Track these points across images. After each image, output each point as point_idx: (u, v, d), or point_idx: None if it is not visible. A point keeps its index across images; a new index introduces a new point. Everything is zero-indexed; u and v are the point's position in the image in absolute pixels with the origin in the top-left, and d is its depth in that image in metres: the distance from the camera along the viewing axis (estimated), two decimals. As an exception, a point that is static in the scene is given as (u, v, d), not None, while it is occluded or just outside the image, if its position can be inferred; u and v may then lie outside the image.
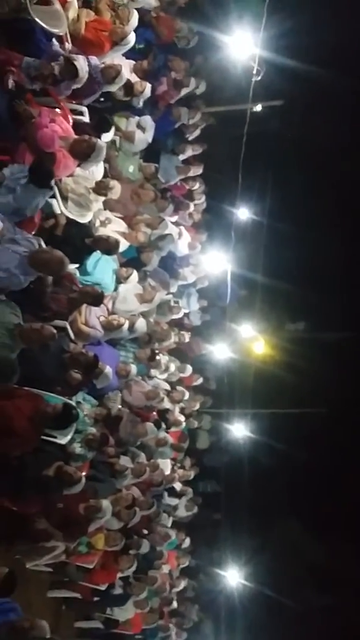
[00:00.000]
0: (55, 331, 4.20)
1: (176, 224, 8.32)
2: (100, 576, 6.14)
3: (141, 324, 6.32)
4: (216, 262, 9.73)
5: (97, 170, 5.71)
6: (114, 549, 6.08)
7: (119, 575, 6.48)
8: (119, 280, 6.22)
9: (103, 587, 6.29)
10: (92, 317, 5.78)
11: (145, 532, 7.59)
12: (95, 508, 5.24)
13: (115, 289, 6.22)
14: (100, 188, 5.46)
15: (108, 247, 5.41)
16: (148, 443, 7.67)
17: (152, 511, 7.35)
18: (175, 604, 8.91)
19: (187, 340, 9.49)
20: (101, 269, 5.81)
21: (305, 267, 12.49)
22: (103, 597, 6.46)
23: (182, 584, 9.30)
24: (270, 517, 12.72)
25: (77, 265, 5.41)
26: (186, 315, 9.65)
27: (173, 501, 8.87)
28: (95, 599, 6.44)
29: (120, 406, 6.73)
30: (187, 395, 9.33)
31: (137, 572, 7.00)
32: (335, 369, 12.61)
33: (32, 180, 4.29)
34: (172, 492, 8.89)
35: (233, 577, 10.80)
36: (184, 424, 9.01)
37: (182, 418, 9.06)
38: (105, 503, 5.42)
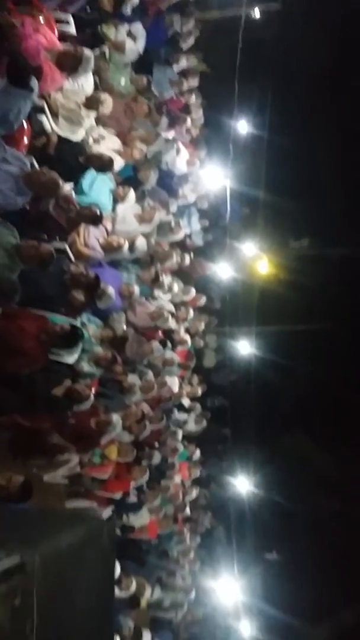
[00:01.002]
0: (53, 250, 4.21)
1: (173, 140, 8.09)
2: (115, 486, 6.46)
3: (141, 243, 6.30)
4: (216, 179, 9.54)
5: (87, 84, 5.52)
6: (127, 460, 6.37)
7: (133, 484, 6.82)
8: (116, 200, 6.14)
9: (118, 496, 6.62)
10: (91, 238, 5.76)
11: (157, 445, 7.91)
12: (105, 422, 5.45)
13: (113, 209, 6.16)
14: (91, 102, 5.30)
15: (102, 164, 5.31)
16: (155, 362, 7.86)
17: (162, 425, 7.64)
18: (188, 511, 9.41)
19: (189, 261, 9.48)
20: (97, 188, 5.72)
21: (308, 182, 12.24)
22: (118, 506, 6.82)
23: (194, 492, 9.79)
24: (278, 430, 13.17)
25: (72, 185, 5.34)
26: (188, 235, 9.58)
27: (182, 416, 9.17)
28: (111, 507, 6.80)
29: (125, 327, 6.83)
30: (191, 314, 9.45)
31: (150, 481, 7.37)
32: (340, 284, 12.64)
33: (10, 81, 4.12)
34: (181, 408, 9.18)
35: (243, 485, 11.34)
36: (189, 343, 9.16)
37: (187, 337, 9.21)
38: (116, 417, 5.63)
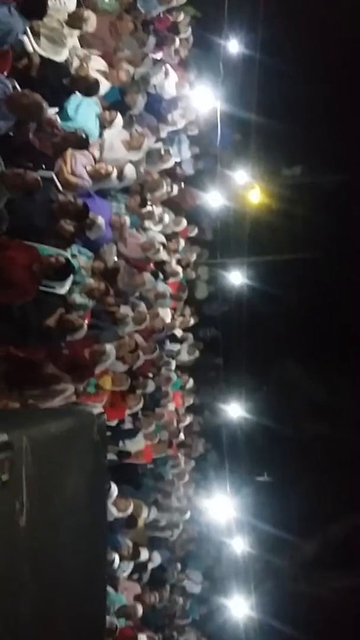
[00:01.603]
0: (39, 178, 4.12)
1: (161, 61, 7.75)
2: (110, 413, 6.60)
3: (130, 171, 6.16)
4: (207, 104, 9.21)
5: (69, 1, 5.22)
6: (121, 388, 6.50)
7: (128, 412, 7.00)
8: (103, 125, 5.95)
9: (114, 423, 6.82)
10: (79, 166, 5.62)
11: (150, 374, 8.06)
12: (99, 352, 5.52)
13: (100, 135, 5.98)
14: (74, 20, 5.03)
15: (88, 87, 5.11)
16: (147, 295, 7.88)
17: (155, 355, 7.76)
18: (182, 437, 9.71)
19: (179, 191, 9.30)
20: (83, 113, 5.53)
21: (302, 106, 11.85)
22: (114, 432, 7.03)
23: (188, 419, 10.08)
24: (269, 359, 13.41)
25: (57, 109, 5.16)
26: (178, 164, 9.36)
27: (175, 346, 9.30)
28: (107, 434, 6.99)
29: (116, 258, 6.79)
30: (183, 245, 9.39)
31: (144, 409, 7.57)
32: (332, 213, 12.52)
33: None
34: (174, 339, 9.28)
35: (235, 411, 11.67)
36: (181, 275, 9.16)
37: (179, 269, 9.20)
38: (109, 347, 5.69)
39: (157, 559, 7.95)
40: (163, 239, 8.47)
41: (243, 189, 12.15)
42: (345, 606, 11.72)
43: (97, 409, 3.03)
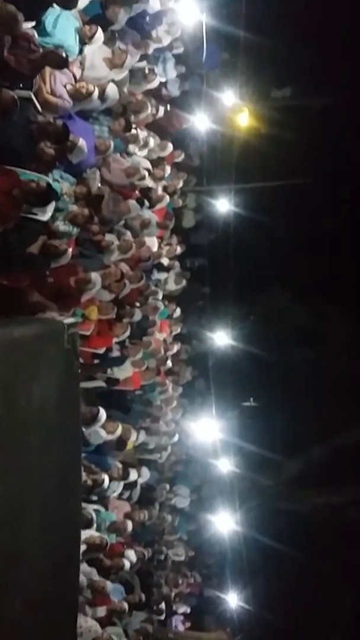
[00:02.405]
0: (16, 97, 3.94)
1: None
2: (97, 341, 6.69)
3: (112, 90, 5.92)
4: (193, 19, 8.72)
5: None
6: (107, 317, 6.53)
7: (115, 340, 7.07)
8: (83, 40, 5.64)
9: (101, 351, 6.89)
10: (58, 85, 5.38)
11: (137, 303, 8.08)
12: (84, 280, 5.49)
13: (80, 52, 5.68)
14: None
15: (65, -2, 4.80)
16: (133, 224, 7.76)
17: (141, 284, 7.74)
18: (170, 364, 9.87)
19: (165, 113, 8.98)
20: (62, 28, 5.23)
21: (292, 24, 11.29)
22: (102, 360, 7.12)
23: (176, 347, 10.22)
24: (256, 288, 13.48)
25: (33, 23, 4.87)
26: (163, 84, 8.98)
27: (162, 275, 9.27)
28: (96, 361, 7.10)
29: (99, 185, 6.64)
30: (168, 171, 9.17)
31: (132, 337, 7.64)
32: (322, 137, 12.21)
33: None
34: (161, 267, 9.24)
35: (222, 339, 11.85)
36: (167, 201, 8.98)
37: (165, 196, 9.01)
38: (94, 275, 5.67)
39: (145, 473, 8.27)
40: (148, 164, 8.25)
41: (231, 111, 11.76)
42: (325, 521, 12.41)
43: (69, 319, 3.04)
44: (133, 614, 7.50)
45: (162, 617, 9.32)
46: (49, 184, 4.56)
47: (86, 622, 5.69)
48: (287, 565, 11.68)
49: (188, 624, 11.06)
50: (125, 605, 6.66)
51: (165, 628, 9.77)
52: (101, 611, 6.19)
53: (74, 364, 2.97)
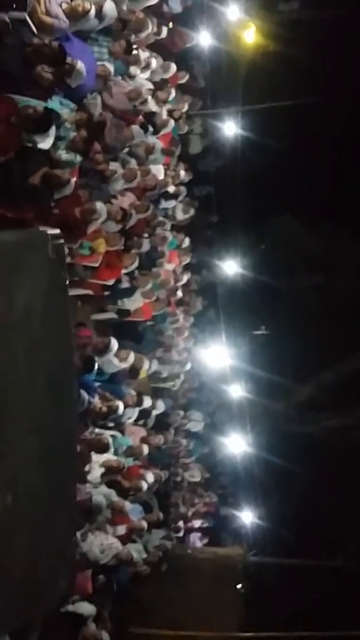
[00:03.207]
0: (7, 18, 3.77)
1: None
2: (106, 273, 6.70)
3: (110, 8, 5.64)
4: None
5: None
6: (115, 248, 6.50)
7: (124, 271, 7.07)
8: None
9: (111, 283, 6.91)
10: (54, 5, 5.14)
11: (145, 234, 8.01)
12: (90, 210, 5.44)
13: (75, -32, 5.37)
14: None
15: None
16: (137, 150, 7.57)
17: (149, 214, 7.65)
18: (180, 295, 9.89)
19: (167, 32, 8.56)
20: None
21: None
22: (112, 291, 7.16)
23: (185, 278, 10.20)
24: (265, 216, 13.27)
25: None
26: (164, 1, 8.54)
27: (170, 204, 9.11)
28: (106, 293, 7.14)
29: (101, 110, 6.44)
30: (173, 94, 8.85)
31: (141, 268, 7.64)
32: (333, 52, 11.62)
33: None
34: (168, 196, 9.05)
35: (231, 268, 11.81)
36: (172, 126, 8.71)
37: (170, 120, 8.73)
38: (100, 204, 5.60)
39: (160, 406, 8.49)
40: (151, 87, 7.96)
41: (236, 27, 11.17)
42: (334, 442, 12.77)
43: (54, 230, 3.02)
44: (152, 532, 7.90)
45: (180, 534, 9.82)
46: (47, 109, 4.44)
47: (107, 540, 6.01)
48: (298, 484, 12.12)
49: (205, 541, 11.67)
50: (144, 524, 7.00)
51: (184, 544, 10.32)
52: (121, 529, 6.51)
53: (61, 275, 2.96)
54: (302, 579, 11.42)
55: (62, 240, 2.90)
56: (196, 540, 11.27)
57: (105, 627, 5.56)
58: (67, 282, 3.10)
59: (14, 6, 4.62)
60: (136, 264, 7.18)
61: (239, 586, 9.93)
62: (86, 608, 5.22)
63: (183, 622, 7.98)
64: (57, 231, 2.88)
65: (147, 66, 7.59)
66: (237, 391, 12.03)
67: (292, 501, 12.36)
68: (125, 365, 6.77)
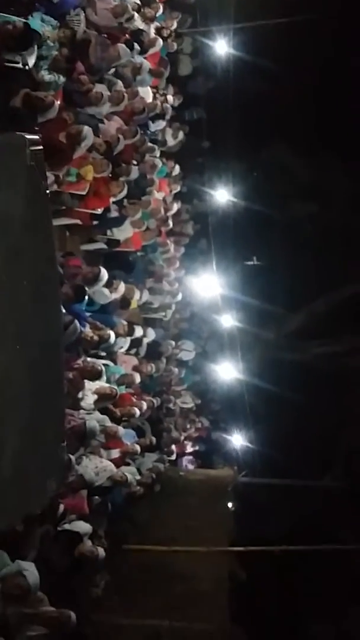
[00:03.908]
0: None
1: None
2: (94, 202, 6.57)
3: None
4: None
5: None
6: (103, 174, 6.34)
7: (112, 200, 6.94)
8: None
9: (99, 212, 6.80)
10: None
11: (134, 162, 7.80)
12: (76, 132, 5.26)
13: None
14: None
15: None
16: (124, 72, 7.25)
17: (137, 139, 7.42)
18: (170, 224, 9.77)
19: None
20: None
21: None
22: (101, 221, 7.05)
23: (176, 207, 10.05)
24: (258, 142, 12.90)
25: None
26: None
27: (158, 125, 8.80)
28: (95, 222, 7.03)
29: (85, 28, 6.12)
30: (161, 10, 8.41)
31: (130, 197, 7.49)
32: None
33: None
34: (156, 116, 8.71)
35: (223, 197, 11.60)
36: (160, 45, 8.32)
37: (158, 39, 8.33)
38: (86, 128, 5.41)
39: (151, 334, 8.57)
40: (138, 2, 7.54)
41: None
42: (324, 369, 13.04)
43: (32, 135, 2.91)
44: (145, 455, 8.16)
45: (173, 457, 10.17)
46: (27, 24, 4.20)
47: (101, 463, 6.21)
48: (287, 409, 12.47)
49: (197, 464, 12.12)
50: (138, 448, 7.22)
51: (176, 467, 10.72)
52: (115, 453, 6.71)
53: (41, 183, 2.88)
54: (290, 498, 11.96)
55: (41, 147, 2.79)
56: (188, 464, 11.70)
57: (100, 544, 5.82)
58: (48, 192, 3.02)
59: None
60: (125, 192, 7.04)
61: (229, 505, 10.40)
62: (82, 526, 5.45)
63: (176, 539, 8.39)
64: (35, 137, 2.76)
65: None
66: (228, 320, 12.14)
67: (282, 425, 12.75)
68: (116, 295, 6.78)
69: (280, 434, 12.48)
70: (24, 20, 4.55)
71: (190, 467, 11.71)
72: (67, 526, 5.33)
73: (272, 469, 12.68)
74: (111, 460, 6.49)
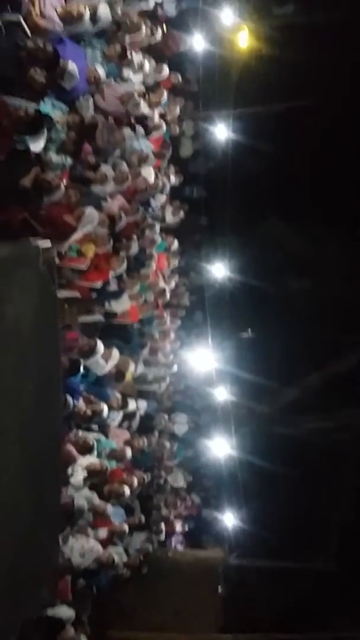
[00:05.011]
0: (0, 21, 3.75)
1: None
2: (94, 275, 6.68)
3: (104, 12, 5.63)
4: None
5: None
6: (104, 250, 6.48)
7: (112, 274, 7.05)
8: None
9: (98, 285, 6.89)
10: (48, 7, 5.13)
11: (135, 237, 7.99)
12: (79, 215, 5.40)
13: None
14: None
15: None
16: (131, 158, 7.54)
17: (138, 217, 7.64)
18: (168, 297, 9.88)
19: (161, 35, 8.54)
20: None
21: None
22: (100, 294, 7.12)
23: (173, 281, 10.21)
24: (254, 218, 13.29)
25: None
26: (159, 4, 8.52)
27: (159, 201, 9.05)
28: (93, 295, 7.11)
29: (93, 112, 6.43)
30: (165, 97, 8.84)
31: (129, 271, 7.61)
32: (326, 58, 11.66)
33: None
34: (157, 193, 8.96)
35: (220, 271, 11.84)
36: (164, 129, 8.72)
37: (162, 123, 8.73)
38: (90, 210, 5.56)
39: (144, 406, 8.48)
40: (143, 89, 7.95)
41: (230, 31, 11.18)
42: (316, 444, 12.86)
43: (45, 243, 3.03)
44: (134, 535, 7.90)
45: (162, 537, 9.82)
46: (38, 111, 4.41)
47: (88, 543, 6.00)
48: (280, 486, 12.19)
49: (186, 543, 11.70)
50: (126, 527, 6.99)
51: (165, 547, 10.34)
52: (102, 532, 6.50)
53: (51, 286, 2.98)
54: (281, 581, 11.50)
55: (53, 253, 2.91)
56: (177, 543, 11.29)
57: (84, 631, 5.56)
58: (57, 293, 3.10)
59: (9, 9, 4.60)
60: (124, 266, 7.16)
61: (219, 588, 9.99)
62: (65, 612, 5.20)
63: (163, 625, 8.01)
64: (47, 243, 2.87)
65: (140, 69, 7.58)
66: (222, 394, 12.07)
67: (274, 503, 12.43)
68: (111, 363, 6.74)
69: (272, 512, 12.15)
70: (35, 106, 4.76)
71: (180, 547, 11.29)
72: (49, 612, 5.08)
73: (264, 550, 12.26)
74: (98, 540, 6.28)
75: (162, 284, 9.43)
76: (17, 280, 2.67)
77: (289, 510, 12.42)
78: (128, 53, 6.97)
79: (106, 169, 6.69)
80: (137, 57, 7.53)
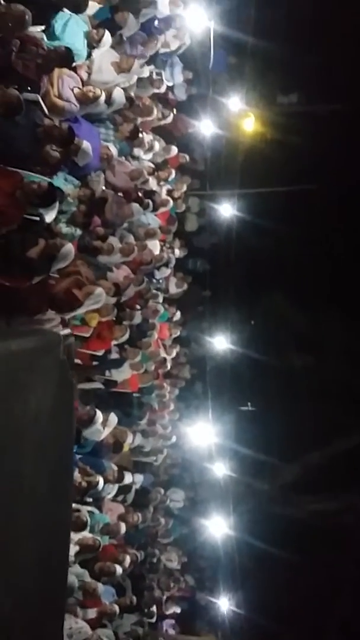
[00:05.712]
0: (21, 97, 3.96)
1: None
2: (96, 344, 6.70)
3: (119, 95, 5.94)
4: (201, 24, 8.75)
5: None
6: (107, 319, 6.53)
7: (114, 343, 7.07)
8: (91, 44, 5.66)
9: (100, 353, 6.90)
10: (66, 89, 5.41)
11: (138, 306, 8.08)
12: (88, 292, 5.41)
13: (89, 56, 5.71)
14: None
15: (76, 3, 4.83)
16: (138, 231, 7.76)
17: (143, 287, 7.76)
18: (168, 367, 9.87)
19: (171, 118, 9.01)
20: (71, 31, 5.26)
21: (300, 30, 11.31)
22: (101, 362, 7.13)
23: (174, 351, 10.23)
24: (257, 292, 13.50)
25: (43, 27, 4.89)
26: (170, 89, 9.02)
27: (164, 273, 9.22)
28: (94, 363, 7.11)
29: (104, 187, 6.67)
30: (173, 175, 9.20)
31: (131, 340, 7.65)
32: (326, 145, 12.23)
33: None
34: (161, 265, 9.14)
35: (221, 344, 11.87)
36: (171, 205, 9.01)
37: (169, 199, 9.04)
38: (99, 290, 5.55)
39: (139, 479, 8.27)
40: (153, 167, 8.28)
41: (237, 116, 11.80)
42: (319, 527, 12.40)
43: (65, 331, 3.08)
44: (124, 617, 7.49)
45: (153, 620, 9.31)
46: (51, 184, 4.57)
47: (76, 624, 5.68)
48: (279, 570, 11.69)
49: (178, 628, 11.06)
50: (116, 608, 6.64)
51: (156, 631, 9.77)
52: (92, 613, 6.18)
53: (69, 373, 3.01)
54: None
55: (72, 340, 2.99)
56: (169, 628, 10.68)
57: None
58: (75, 381, 3.16)
59: (29, 89, 4.87)
60: (127, 336, 7.20)
61: None
62: None
63: None
64: (68, 331, 2.94)
65: (151, 148, 7.92)
66: (220, 469, 11.78)
67: (272, 587, 11.88)
68: (108, 429, 6.62)
69: (270, 597, 11.57)
70: (48, 180, 4.93)
71: (171, 631, 10.67)
72: None
73: (261, 638, 11.59)
74: (87, 621, 5.95)
75: (163, 353, 9.45)
76: (40, 370, 2.72)
77: (287, 595, 11.85)
78: (139, 133, 7.31)
79: (114, 240, 6.86)
80: (147, 137, 7.91)
